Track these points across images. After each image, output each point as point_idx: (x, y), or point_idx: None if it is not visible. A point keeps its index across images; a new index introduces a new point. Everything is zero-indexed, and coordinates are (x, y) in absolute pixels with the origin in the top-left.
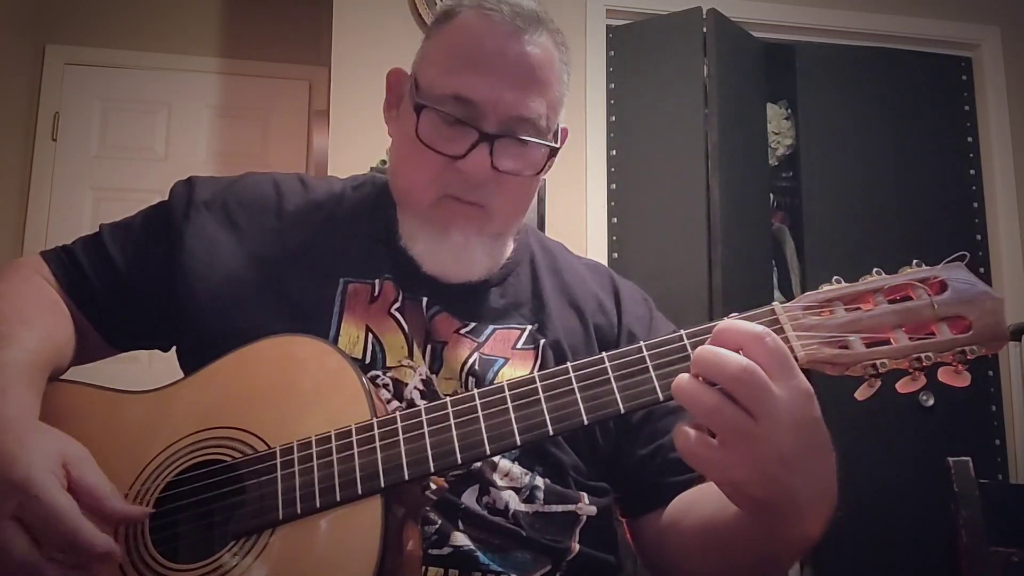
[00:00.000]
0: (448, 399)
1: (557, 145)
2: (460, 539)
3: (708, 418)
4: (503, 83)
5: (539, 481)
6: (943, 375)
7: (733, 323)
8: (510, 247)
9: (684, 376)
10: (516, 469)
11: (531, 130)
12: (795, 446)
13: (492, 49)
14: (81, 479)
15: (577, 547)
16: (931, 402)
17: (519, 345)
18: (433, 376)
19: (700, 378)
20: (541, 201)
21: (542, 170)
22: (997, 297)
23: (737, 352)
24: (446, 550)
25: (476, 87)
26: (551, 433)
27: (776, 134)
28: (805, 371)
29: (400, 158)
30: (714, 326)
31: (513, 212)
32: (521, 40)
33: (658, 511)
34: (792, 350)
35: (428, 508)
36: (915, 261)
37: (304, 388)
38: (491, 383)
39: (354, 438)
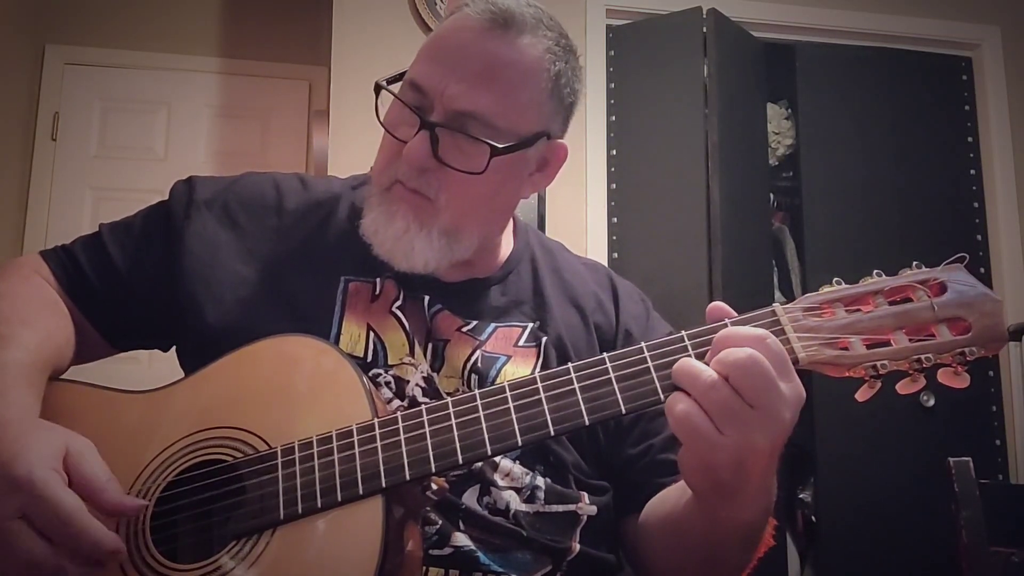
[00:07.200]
0: (449, 399)
1: (500, 146)
2: (461, 539)
3: (705, 395)
4: (453, 75)
5: (540, 481)
6: (943, 376)
7: (735, 328)
8: (502, 246)
9: (688, 359)
10: (517, 469)
11: (479, 127)
12: (776, 442)
13: (454, 42)
14: (79, 470)
15: (577, 547)
16: (931, 402)
17: (521, 343)
18: (435, 374)
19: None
20: (541, 201)
21: (485, 170)
22: (996, 299)
23: None
24: (447, 550)
25: (427, 75)
26: (552, 434)
27: (776, 134)
28: (802, 372)
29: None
30: (716, 327)
31: (464, 211)
32: (490, 37)
33: (638, 512)
34: (793, 351)
35: (429, 508)
36: (915, 263)
37: (304, 388)
38: (493, 381)
39: (355, 438)
